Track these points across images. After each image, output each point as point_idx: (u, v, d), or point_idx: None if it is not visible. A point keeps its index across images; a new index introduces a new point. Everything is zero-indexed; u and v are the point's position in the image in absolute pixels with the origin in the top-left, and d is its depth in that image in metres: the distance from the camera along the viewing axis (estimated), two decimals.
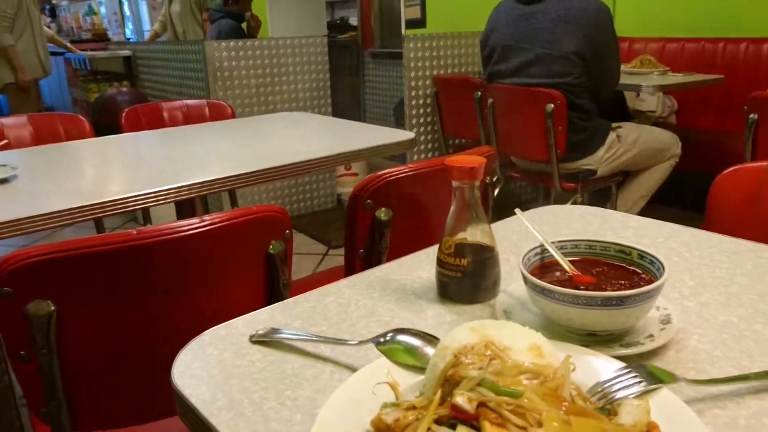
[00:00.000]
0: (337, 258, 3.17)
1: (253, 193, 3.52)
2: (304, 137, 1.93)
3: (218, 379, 0.60)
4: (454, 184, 0.71)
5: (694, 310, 0.69)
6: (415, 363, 0.58)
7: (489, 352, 0.47)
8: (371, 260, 1.19)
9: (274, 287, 1.03)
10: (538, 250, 0.69)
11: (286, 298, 0.88)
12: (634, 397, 0.50)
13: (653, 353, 0.60)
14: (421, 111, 3.36)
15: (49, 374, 0.88)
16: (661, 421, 0.46)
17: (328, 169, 3.63)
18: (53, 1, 7.34)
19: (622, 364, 0.54)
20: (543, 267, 0.68)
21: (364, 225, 1.17)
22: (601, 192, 2.71)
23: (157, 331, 0.92)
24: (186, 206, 1.67)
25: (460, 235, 0.73)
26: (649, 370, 0.54)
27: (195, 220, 0.89)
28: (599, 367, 0.54)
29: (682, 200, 2.81)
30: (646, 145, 2.57)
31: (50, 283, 0.84)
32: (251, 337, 0.66)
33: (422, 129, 3.39)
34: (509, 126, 2.66)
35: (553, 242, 0.70)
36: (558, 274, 0.67)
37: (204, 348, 0.66)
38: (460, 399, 0.43)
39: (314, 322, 0.70)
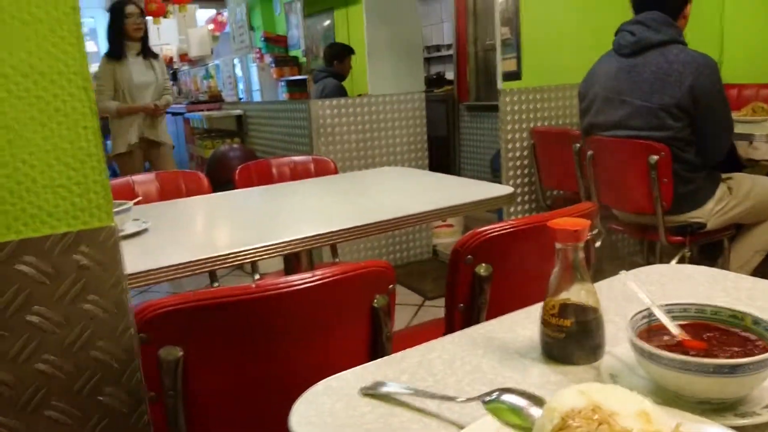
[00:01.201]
0: (432, 309, 3.18)
1: (351, 243, 3.63)
2: (403, 192, 2.00)
3: (332, 428, 0.64)
4: (558, 246, 0.73)
5: None
6: (521, 423, 0.59)
7: (597, 416, 0.48)
8: (471, 315, 1.21)
9: (378, 340, 1.07)
10: (646, 312, 0.69)
11: (388, 351, 0.91)
12: None
13: None
14: (518, 163, 3.37)
15: (174, 415, 0.96)
16: None
17: (427, 222, 3.68)
18: (174, 67, 8.08)
19: None
20: (650, 330, 0.68)
21: (465, 280, 1.19)
22: (712, 246, 2.56)
23: (272, 378, 0.99)
24: (292, 257, 1.78)
25: (564, 295, 0.74)
26: None
27: (308, 274, 0.95)
28: None
29: None
30: (760, 197, 2.43)
31: (180, 330, 0.93)
32: (361, 389, 0.70)
33: (519, 181, 3.39)
34: (610, 178, 2.61)
35: (660, 305, 0.69)
36: (666, 338, 0.66)
37: (318, 398, 0.70)
38: None
39: (420, 377, 0.73)
